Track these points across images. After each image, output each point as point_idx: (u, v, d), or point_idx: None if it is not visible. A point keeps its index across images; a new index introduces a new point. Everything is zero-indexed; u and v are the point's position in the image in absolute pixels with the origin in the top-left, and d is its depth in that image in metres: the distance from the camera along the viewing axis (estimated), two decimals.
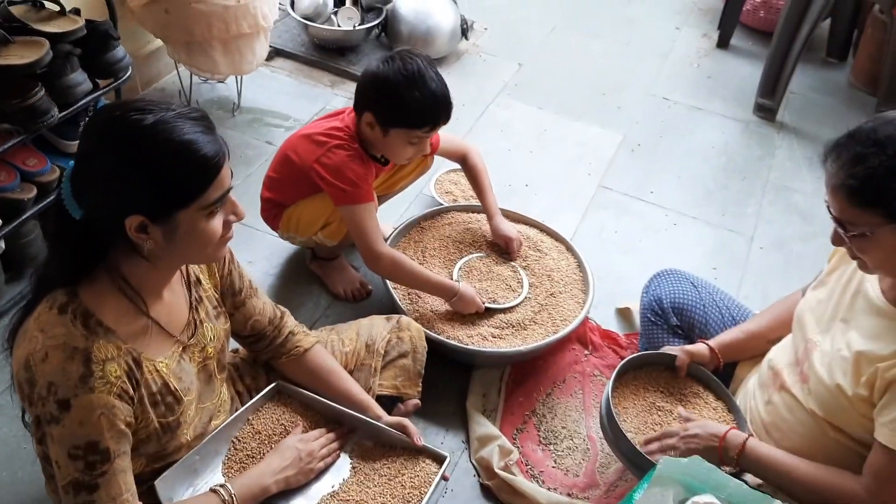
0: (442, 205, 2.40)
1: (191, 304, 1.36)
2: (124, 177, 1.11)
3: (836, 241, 1.39)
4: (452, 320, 2.02)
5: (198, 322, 1.37)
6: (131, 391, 1.20)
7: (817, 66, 3.49)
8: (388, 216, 2.42)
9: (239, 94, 2.83)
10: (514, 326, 2.02)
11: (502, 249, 2.20)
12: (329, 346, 1.71)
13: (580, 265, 2.20)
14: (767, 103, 3.15)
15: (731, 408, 1.70)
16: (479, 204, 2.24)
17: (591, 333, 2.18)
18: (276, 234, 2.18)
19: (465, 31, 3.24)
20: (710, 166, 2.88)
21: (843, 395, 1.40)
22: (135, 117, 1.11)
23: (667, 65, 3.42)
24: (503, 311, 2.05)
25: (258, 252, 2.32)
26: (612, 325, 2.24)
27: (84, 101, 1.97)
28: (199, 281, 1.40)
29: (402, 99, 1.81)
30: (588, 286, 2.13)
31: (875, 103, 3.19)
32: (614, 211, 2.63)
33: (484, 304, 2.02)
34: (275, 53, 3.14)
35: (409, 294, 2.07)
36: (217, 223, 1.21)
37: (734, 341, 1.76)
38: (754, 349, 1.76)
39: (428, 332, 1.88)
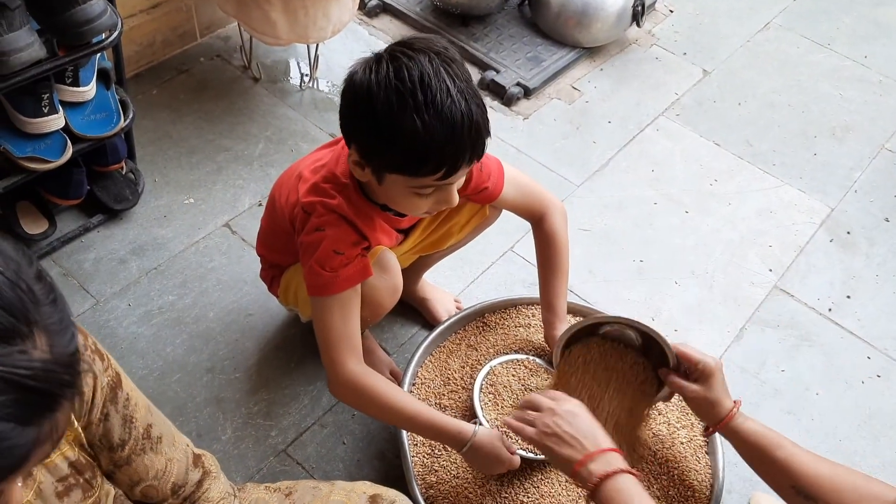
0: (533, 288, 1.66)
1: None
2: None
3: None
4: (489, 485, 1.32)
5: None
6: None
7: None
8: (448, 282, 1.71)
9: (312, 63, 2.16)
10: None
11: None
12: None
13: (713, 471, 1.39)
14: None
15: None
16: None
17: None
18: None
19: (638, 13, 2.37)
20: None
21: None
22: None
23: None
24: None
25: (264, 303, 1.68)
26: None
27: (30, 74, 1.38)
28: None
29: (392, 130, 1.06)
30: None
31: None
32: (789, 335, 1.76)
33: (515, 452, 1.26)
34: (380, 9, 2.43)
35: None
36: None
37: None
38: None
39: None
